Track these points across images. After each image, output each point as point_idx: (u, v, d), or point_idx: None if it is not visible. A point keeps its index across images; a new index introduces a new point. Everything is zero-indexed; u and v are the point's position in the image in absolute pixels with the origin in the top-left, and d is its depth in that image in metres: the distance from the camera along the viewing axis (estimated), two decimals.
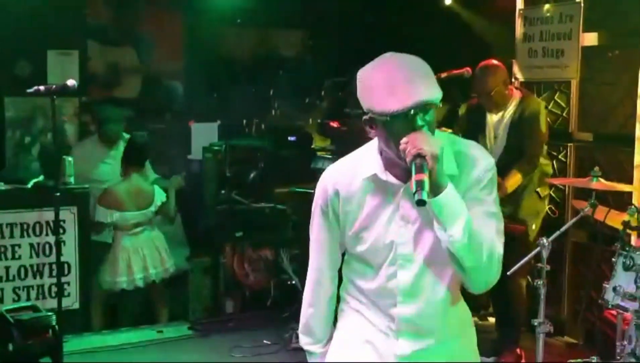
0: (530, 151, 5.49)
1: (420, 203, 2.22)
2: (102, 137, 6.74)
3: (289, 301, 6.59)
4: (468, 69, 5.48)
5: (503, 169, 4.96)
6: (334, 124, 7.18)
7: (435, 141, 2.31)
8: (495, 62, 5.55)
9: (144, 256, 6.22)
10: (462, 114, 5.98)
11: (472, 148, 2.53)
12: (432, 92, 2.36)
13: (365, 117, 2.46)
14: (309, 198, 5.31)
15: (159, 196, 6.36)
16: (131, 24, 7.83)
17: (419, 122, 2.34)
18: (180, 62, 8.26)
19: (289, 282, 6.96)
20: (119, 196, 6.14)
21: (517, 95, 5.59)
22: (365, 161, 2.57)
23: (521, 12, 6.65)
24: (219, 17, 7.87)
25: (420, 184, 2.22)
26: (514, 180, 5.37)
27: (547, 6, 6.41)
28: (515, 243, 5.07)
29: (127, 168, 6.22)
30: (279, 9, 7.81)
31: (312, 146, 7.67)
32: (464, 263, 2.37)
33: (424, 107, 2.35)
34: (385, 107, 2.34)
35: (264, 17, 8.02)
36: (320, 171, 5.52)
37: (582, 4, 6.08)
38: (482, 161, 2.48)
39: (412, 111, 2.33)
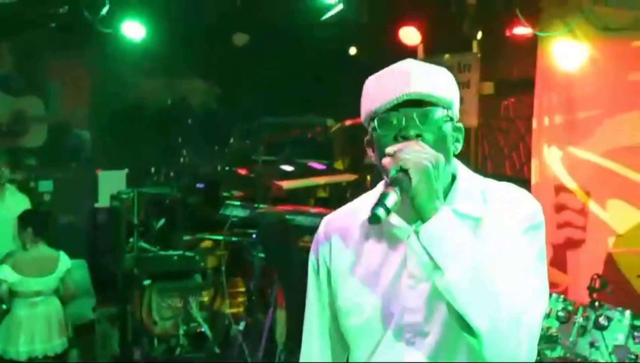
0: None
1: (373, 219, 1.66)
2: None
3: (198, 349, 6.61)
4: None
5: None
6: (242, 171, 7.30)
7: (428, 152, 1.71)
8: None
9: (35, 329, 5.75)
10: (369, 162, 6.18)
11: (511, 188, 1.90)
12: (431, 85, 1.80)
13: (365, 137, 1.93)
14: (218, 244, 5.42)
15: (64, 263, 5.94)
16: (37, 73, 7.80)
17: (410, 127, 1.77)
18: (87, 110, 8.25)
19: (198, 330, 6.97)
20: (24, 260, 5.77)
21: None
22: (371, 200, 1.82)
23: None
24: (127, 66, 7.91)
25: (382, 197, 1.67)
26: None
27: (446, 56, 6.73)
28: None
29: (35, 237, 5.94)
30: (185, 58, 7.92)
31: (221, 193, 7.76)
32: (472, 324, 1.67)
33: (420, 107, 1.78)
34: (370, 107, 1.84)
35: (171, 65, 8.10)
36: (228, 218, 5.65)
37: (479, 55, 6.42)
38: (523, 203, 1.84)
39: (400, 111, 1.79)
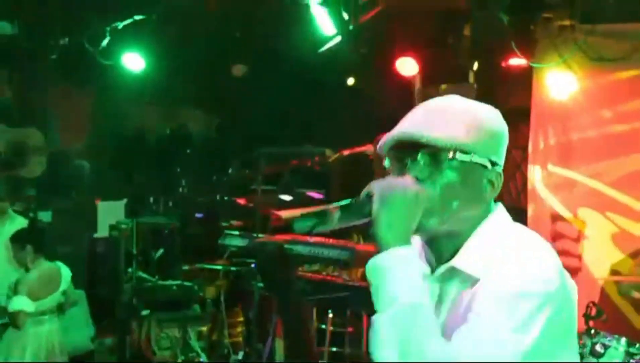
0: None
1: (294, 226, 1.69)
2: None
3: None
4: (371, 145, 5.71)
5: None
6: (241, 201, 7.32)
7: (404, 184, 1.65)
8: None
9: (41, 346, 5.71)
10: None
11: (529, 248, 1.72)
12: (421, 127, 1.71)
13: None
14: (217, 274, 5.43)
15: (66, 274, 5.95)
16: (37, 104, 7.84)
17: (395, 169, 1.74)
18: (86, 140, 8.29)
19: (196, 360, 6.95)
20: (33, 284, 5.69)
21: None
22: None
23: (419, 92, 7.02)
24: (126, 96, 7.97)
25: (316, 213, 1.70)
26: None
27: (443, 86, 6.80)
28: None
29: (36, 254, 5.95)
30: (185, 89, 7.97)
31: (219, 223, 7.77)
32: None
33: (412, 149, 1.70)
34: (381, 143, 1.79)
35: (171, 96, 8.16)
36: (227, 247, 5.64)
37: (475, 85, 6.50)
38: (523, 266, 1.63)
39: (391, 152, 1.76)
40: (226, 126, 8.78)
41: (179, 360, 6.95)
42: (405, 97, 7.04)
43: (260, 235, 5.04)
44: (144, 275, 7.25)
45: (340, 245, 4.94)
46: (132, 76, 7.31)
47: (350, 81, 7.74)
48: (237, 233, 5.70)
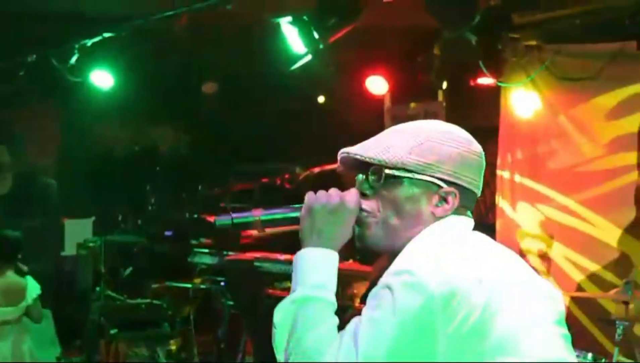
0: None
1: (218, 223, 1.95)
2: None
3: None
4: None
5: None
6: (211, 219, 7.30)
7: (327, 196, 1.84)
8: None
9: (6, 358, 5.76)
10: None
11: (418, 250, 1.78)
12: (367, 146, 1.88)
13: None
14: (187, 293, 5.42)
15: (33, 290, 5.97)
16: (3, 121, 7.77)
17: (343, 184, 1.89)
18: (54, 158, 8.23)
19: None
20: None
21: None
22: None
23: (389, 110, 7.08)
24: (95, 114, 7.93)
25: (243, 215, 1.95)
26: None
27: (412, 105, 6.88)
28: None
29: (2, 264, 5.94)
30: (154, 106, 7.95)
31: (189, 241, 7.73)
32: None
33: (364, 167, 1.86)
34: None
35: (140, 113, 8.13)
36: (197, 265, 5.65)
37: (444, 104, 6.59)
38: (399, 262, 1.75)
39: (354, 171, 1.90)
40: (196, 143, 8.77)
41: None
42: (375, 116, 7.10)
43: (230, 253, 5.05)
44: (112, 294, 7.20)
45: None
46: (101, 93, 7.28)
47: (321, 99, 7.78)
48: (206, 251, 5.72)
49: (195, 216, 7.72)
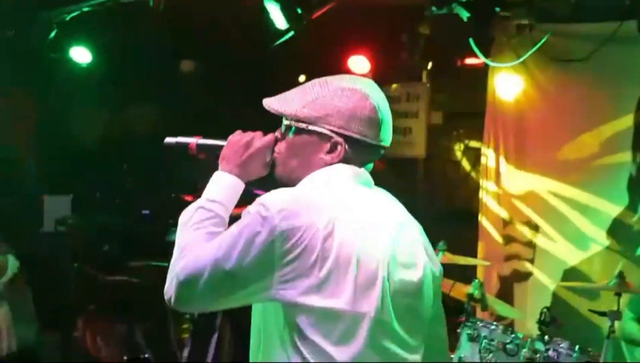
0: None
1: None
2: None
3: None
4: None
5: None
6: (188, 198, 7.25)
7: (239, 135, 2.33)
8: None
9: None
10: None
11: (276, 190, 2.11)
12: (279, 99, 2.27)
13: None
14: (164, 271, 5.38)
15: (13, 266, 6.13)
16: None
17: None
18: (32, 136, 8.11)
19: (142, 356, 6.89)
20: None
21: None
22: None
23: None
24: (74, 92, 7.83)
25: (185, 140, 2.50)
26: None
27: (394, 86, 6.76)
28: None
29: None
30: (133, 84, 7.85)
31: (166, 220, 7.68)
32: None
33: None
34: None
35: (119, 91, 8.03)
36: (174, 244, 5.60)
37: (429, 85, 6.46)
38: (267, 195, 2.05)
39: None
40: (174, 122, 8.67)
41: (125, 357, 6.89)
42: None
43: None
44: (90, 271, 7.15)
45: None
46: (80, 70, 7.20)
47: (302, 78, 7.71)
48: None
49: (173, 195, 7.68)
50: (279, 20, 5.67)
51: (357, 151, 2.15)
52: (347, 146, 2.14)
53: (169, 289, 2.08)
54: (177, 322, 6.71)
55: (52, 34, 6.70)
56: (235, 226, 2.03)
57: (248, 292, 2.00)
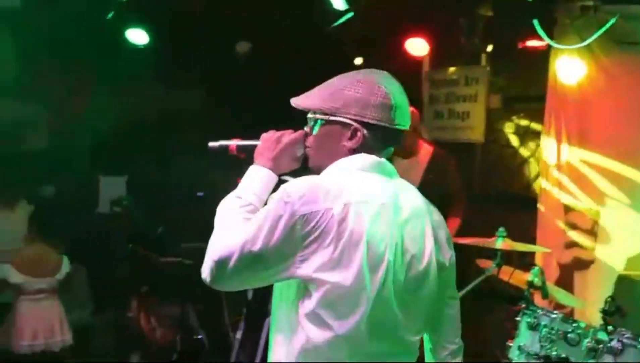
0: (460, 198, 5.60)
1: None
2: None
3: (195, 357, 6.55)
4: None
5: None
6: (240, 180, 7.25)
7: (272, 132, 2.63)
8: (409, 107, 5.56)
9: (39, 324, 6.04)
10: None
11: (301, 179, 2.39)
12: (304, 96, 2.54)
13: None
14: None
15: (66, 266, 6.22)
16: (40, 79, 7.71)
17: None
18: (89, 115, 8.18)
19: (195, 337, 6.93)
20: (26, 260, 6.02)
21: (428, 147, 5.66)
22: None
23: (427, 74, 6.86)
24: (127, 72, 7.86)
25: (225, 143, 2.76)
26: (454, 225, 5.44)
27: (452, 69, 6.63)
28: None
29: (33, 235, 6.13)
30: (187, 65, 7.86)
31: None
32: None
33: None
34: None
35: (172, 73, 8.05)
36: None
37: (488, 68, 6.31)
38: (289, 183, 2.35)
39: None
40: (226, 105, 8.67)
41: (178, 337, 6.94)
42: (413, 79, 6.92)
43: None
44: (144, 252, 7.21)
45: None
46: (135, 51, 7.24)
47: (358, 61, 7.61)
48: None
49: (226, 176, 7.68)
50: (337, 1, 5.60)
51: (376, 135, 2.41)
52: (365, 132, 2.40)
53: (205, 268, 2.34)
54: (231, 304, 6.74)
55: (110, 15, 6.74)
56: (262, 212, 2.29)
57: (274, 271, 2.25)
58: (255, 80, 7.96)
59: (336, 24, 5.78)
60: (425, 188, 5.54)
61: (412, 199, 2.44)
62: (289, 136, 2.57)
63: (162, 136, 8.31)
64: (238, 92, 8.15)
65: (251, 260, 2.23)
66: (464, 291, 4.54)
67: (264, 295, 5.92)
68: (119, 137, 8.14)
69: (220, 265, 2.27)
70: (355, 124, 2.39)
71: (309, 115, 2.50)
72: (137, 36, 7.10)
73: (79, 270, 6.89)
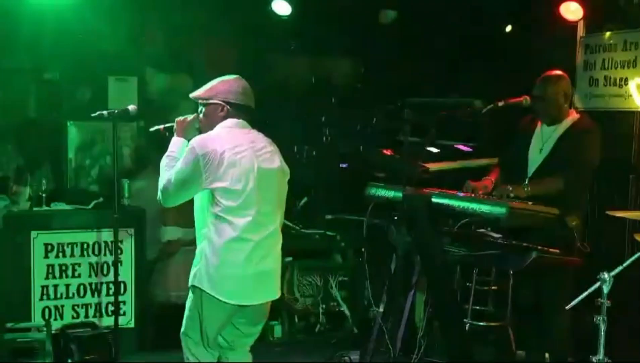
0: (577, 168, 5.17)
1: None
2: None
3: (337, 328, 6.57)
4: (527, 97, 5.24)
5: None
6: (387, 152, 7.15)
7: (183, 117, 4.39)
8: (559, 72, 5.29)
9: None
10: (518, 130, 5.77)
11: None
12: (200, 89, 4.32)
13: None
14: (360, 225, 5.34)
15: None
16: (188, 51, 7.88)
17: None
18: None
19: (337, 309, 6.95)
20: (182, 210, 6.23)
21: (575, 115, 5.37)
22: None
23: (582, 39, 6.56)
24: (271, 44, 7.92)
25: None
26: (540, 187, 5.07)
27: (609, 34, 6.31)
28: (568, 275, 4.97)
29: None
30: (330, 36, 7.82)
31: (364, 174, 7.63)
32: None
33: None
34: None
35: (317, 44, 8.04)
36: (372, 198, 5.53)
37: None
38: (195, 137, 4.26)
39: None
40: (371, 75, 8.58)
41: (320, 309, 6.99)
42: (566, 45, 6.61)
43: (406, 187, 4.90)
44: (288, 223, 7.27)
45: (493, 201, 4.71)
46: (277, 21, 7.28)
47: (508, 28, 7.33)
48: (382, 184, 5.59)
49: (371, 148, 7.62)
50: None
51: (236, 109, 4.22)
52: (228, 108, 4.21)
53: (158, 195, 4.21)
54: (372, 277, 6.70)
55: None
56: (181, 159, 4.11)
57: (192, 189, 4.10)
58: (400, 50, 7.84)
59: None
60: (554, 155, 5.26)
61: (260, 140, 4.26)
62: (190, 118, 4.32)
63: (304, 105, 8.30)
64: (382, 64, 8.06)
65: (179, 185, 4.07)
66: (619, 268, 4.19)
67: (407, 267, 5.86)
68: (262, 106, 8.21)
69: (164, 191, 4.15)
70: (223, 103, 4.20)
71: (199, 102, 4.27)
72: (281, 7, 7.20)
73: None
